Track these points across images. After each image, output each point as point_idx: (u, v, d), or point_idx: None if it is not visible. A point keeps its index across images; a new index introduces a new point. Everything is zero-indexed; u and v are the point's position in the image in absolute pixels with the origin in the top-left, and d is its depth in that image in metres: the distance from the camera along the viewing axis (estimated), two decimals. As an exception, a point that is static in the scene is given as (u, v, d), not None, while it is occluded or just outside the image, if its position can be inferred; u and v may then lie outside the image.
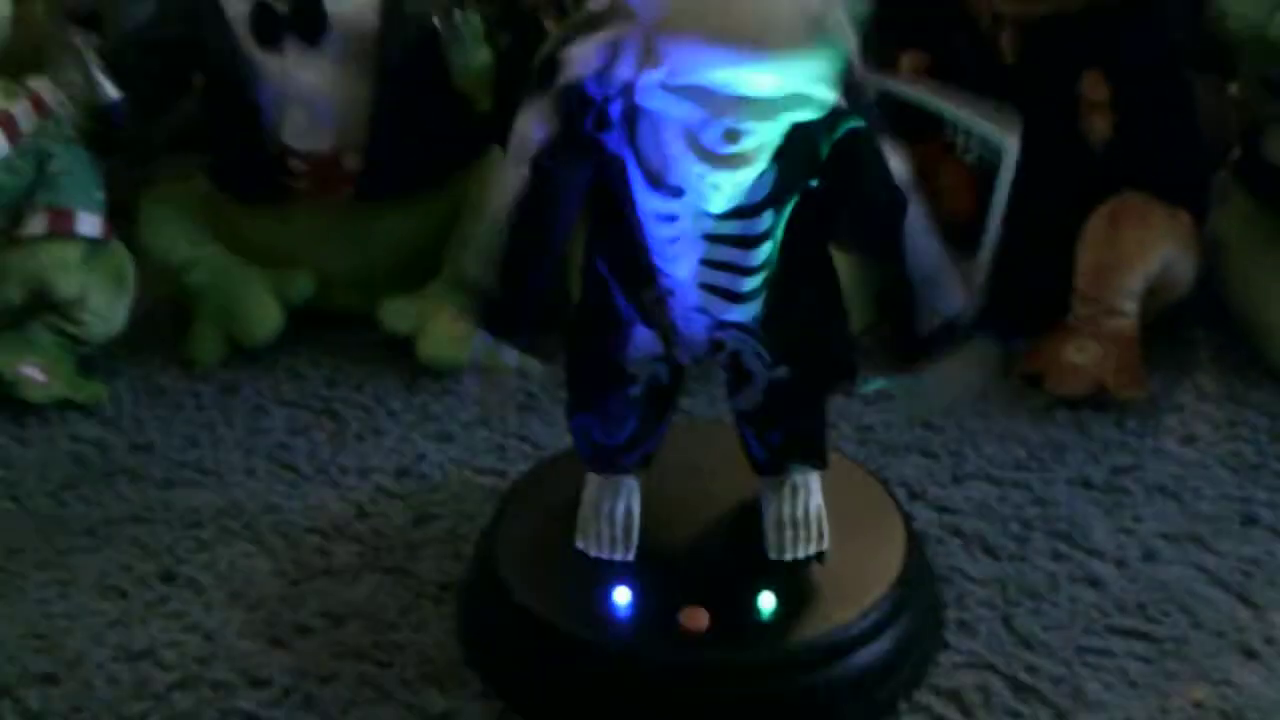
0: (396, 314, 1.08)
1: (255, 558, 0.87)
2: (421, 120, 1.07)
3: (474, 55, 1.03)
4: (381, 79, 1.05)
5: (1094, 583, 0.83)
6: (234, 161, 1.10)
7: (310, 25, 1.04)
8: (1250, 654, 0.77)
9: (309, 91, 1.05)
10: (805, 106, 0.60)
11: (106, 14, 1.24)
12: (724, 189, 0.64)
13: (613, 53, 0.62)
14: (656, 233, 0.68)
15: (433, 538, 0.88)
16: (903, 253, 0.69)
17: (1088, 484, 0.92)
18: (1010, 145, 0.92)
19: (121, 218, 1.09)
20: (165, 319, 1.12)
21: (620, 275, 0.71)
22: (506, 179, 0.68)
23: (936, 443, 0.96)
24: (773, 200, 0.66)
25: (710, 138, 0.61)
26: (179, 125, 1.18)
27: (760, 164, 0.63)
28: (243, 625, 0.81)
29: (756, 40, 0.57)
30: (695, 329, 0.72)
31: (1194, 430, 0.97)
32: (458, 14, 1.03)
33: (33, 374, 1.02)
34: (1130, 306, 1.00)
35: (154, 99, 1.08)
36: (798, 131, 0.63)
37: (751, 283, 0.69)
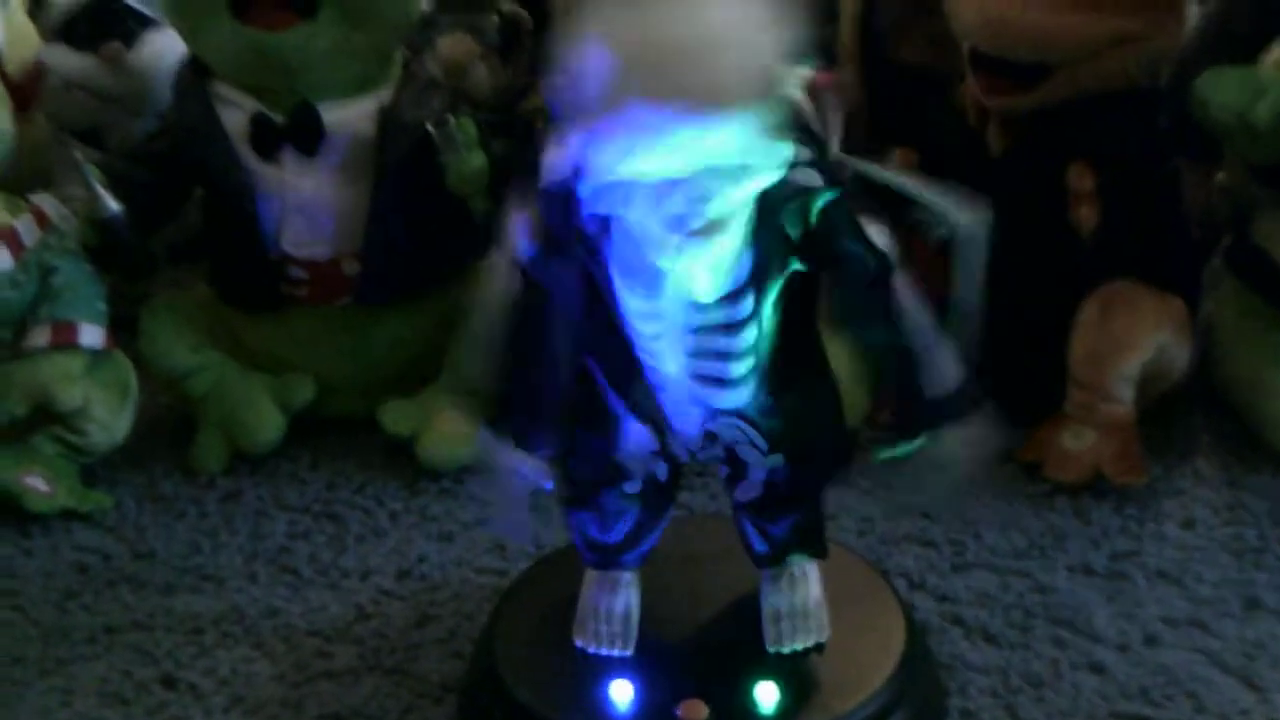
0: (396, 417, 1.08)
1: (256, 662, 0.87)
2: (419, 225, 1.08)
3: (468, 160, 1.05)
4: (379, 186, 1.06)
5: (1097, 669, 0.83)
6: (234, 270, 1.11)
7: (308, 137, 1.06)
8: (1255, 737, 0.77)
9: (307, 200, 1.06)
10: (758, 167, 0.61)
11: (108, 131, 1.27)
12: (702, 272, 0.64)
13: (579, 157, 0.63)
14: (642, 330, 0.69)
15: (433, 638, 0.88)
16: (895, 320, 0.68)
17: (1089, 570, 0.92)
18: (976, 231, 0.92)
19: (124, 329, 1.10)
20: (168, 427, 1.12)
21: (610, 372, 0.72)
22: (497, 280, 0.69)
23: (936, 532, 0.96)
24: (753, 282, 0.67)
25: (659, 228, 0.62)
26: (179, 237, 1.19)
27: (732, 237, 0.64)
28: (243, 730, 0.81)
29: (698, 101, 0.58)
30: (688, 421, 0.72)
31: (1194, 515, 0.97)
32: (452, 121, 1.04)
33: (36, 485, 1.03)
34: (1125, 393, 1.00)
35: (154, 211, 1.09)
36: (768, 207, 0.64)
37: (740, 368, 0.69)
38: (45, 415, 1.03)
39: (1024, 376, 1.00)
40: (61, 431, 1.04)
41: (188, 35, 1.08)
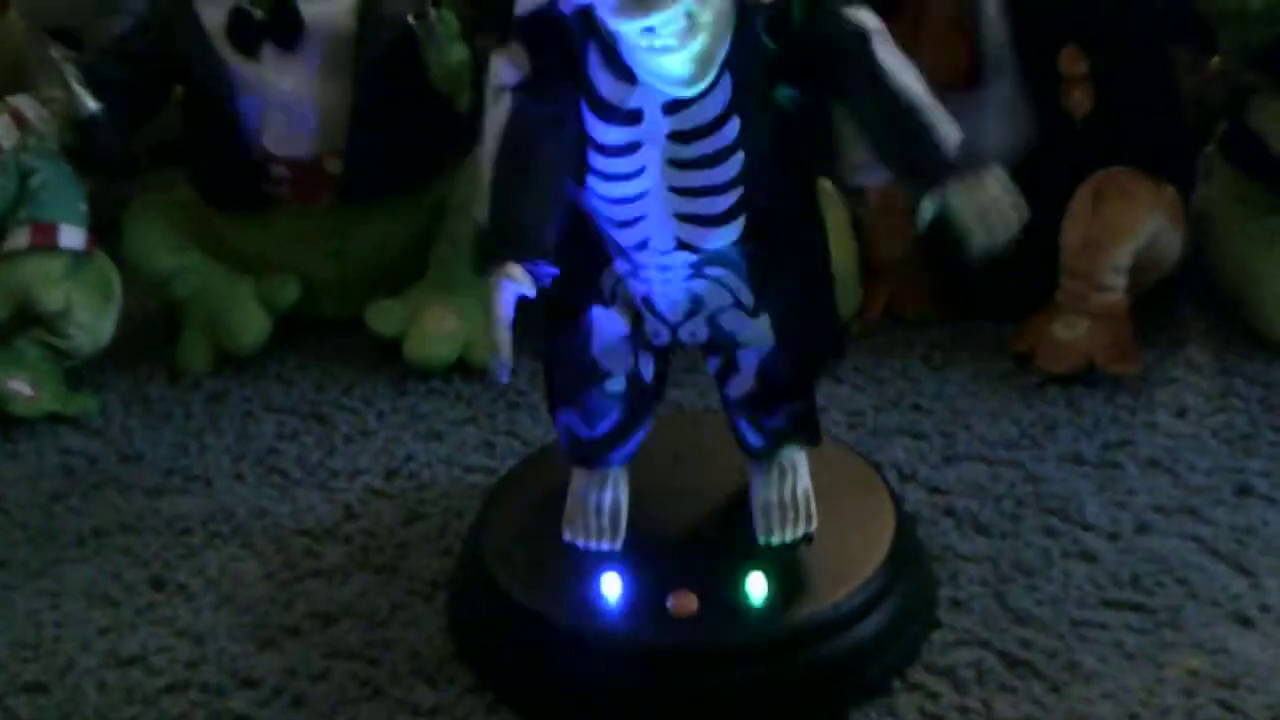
0: (383, 317, 1.07)
1: (244, 561, 0.87)
2: (401, 122, 1.07)
3: (451, 54, 1.03)
4: (359, 82, 1.05)
5: (1087, 557, 0.82)
6: (216, 170, 1.10)
7: (287, 31, 1.04)
8: (1245, 622, 0.77)
9: (288, 97, 1.05)
10: None
11: (85, 29, 1.25)
12: (680, 70, 0.63)
13: None
14: (617, 170, 0.67)
15: (422, 536, 0.88)
16: (883, 84, 0.66)
17: (1080, 460, 0.91)
18: None
19: (106, 232, 1.09)
20: (152, 330, 1.12)
21: (576, 264, 0.70)
22: (490, 118, 0.67)
23: (927, 424, 0.96)
24: (733, 109, 0.66)
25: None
26: (160, 138, 1.18)
27: (700, 39, 0.63)
28: (232, 628, 0.81)
29: None
30: (674, 278, 0.71)
31: (1186, 403, 0.96)
32: (433, 13, 1.03)
33: (20, 389, 1.02)
34: (1118, 281, 0.99)
35: (133, 110, 1.07)
36: (740, 26, 0.64)
37: (726, 200, 0.68)
38: (27, 318, 1.02)
39: (1015, 266, 0.99)
40: (44, 334, 1.03)
41: (166, -68, 1.06)
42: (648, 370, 0.77)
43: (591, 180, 0.68)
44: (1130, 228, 0.99)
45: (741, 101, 0.66)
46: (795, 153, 0.70)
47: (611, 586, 0.74)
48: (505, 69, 0.66)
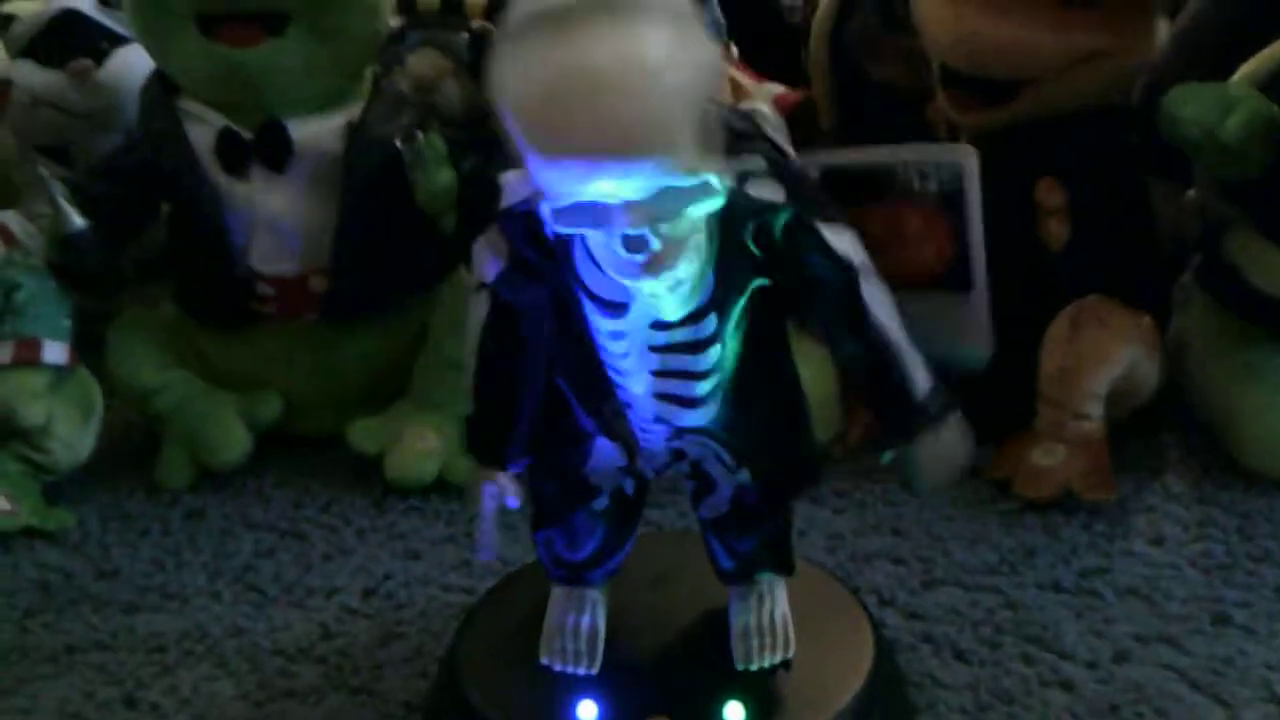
0: (364, 435, 1.08)
1: (219, 681, 0.86)
2: (387, 242, 1.08)
3: (437, 177, 1.04)
4: (347, 203, 1.06)
5: (1066, 685, 0.82)
6: (201, 286, 1.11)
7: (276, 153, 1.05)
8: (1224, 753, 0.76)
9: (275, 216, 1.06)
10: (694, 198, 0.60)
11: (75, 146, 1.26)
12: (662, 296, 0.64)
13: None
14: (609, 348, 0.68)
15: (399, 657, 0.87)
16: (865, 330, 0.67)
17: (1058, 587, 0.91)
18: (968, 160, 0.91)
19: (90, 346, 1.09)
20: (133, 445, 1.12)
21: (579, 390, 0.71)
22: (472, 310, 0.70)
23: (906, 549, 0.96)
24: (716, 301, 0.66)
25: (619, 250, 0.61)
26: (147, 254, 1.18)
27: (688, 266, 0.63)
28: (205, 750, 0.80)
29: (609, 147, 0.57)
30: (654, 439, 0.72)
31: (1163, 531, 0.97)
32: (420, 137, 1.04)
33: (-1, 503, 1.02)
34: (1095, 409, 1.00)
35: (121, 227, 1.08)
36: (729, 225, 0.64)
37: (704, 387, 0.69)
38: (8, 432, 1.02)
39: (993, 392, 1.00)
40: (24, 449, 1.03)
41: (156, 52, 1.08)
42: (630, 487, 0.77)
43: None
44: (1107, 357, 1.00)
45: (721, 299, 0.67)
46: (768, 328, 0.70)
47: (588, 713, 0.73)
48: (486, 258, 0.68)
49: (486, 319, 0.70)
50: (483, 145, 1.11)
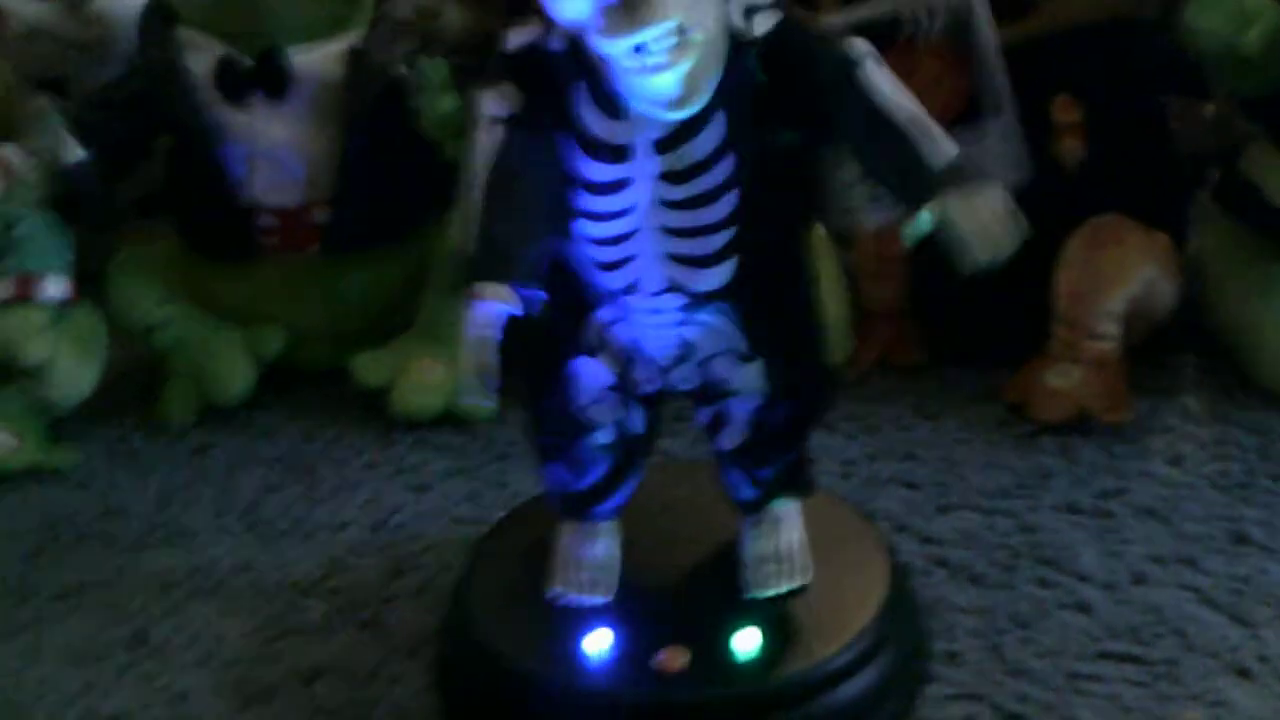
0: (369, 368, 1.06)
1: (227, 618, 0.85)
2: (390, 171, 1.06)
3: (440, 103, 1.03)
4: (349, 131, 1.04)
5: (1083, 608, 0.81)
6: (202, 219, 1.09)
7: (275, 80, 1.04)
8: (1244, 673, 0.75)
9: (276, 146, 1.04)
10: None
11: (72, 79, 1.25)
12: (671, 90, 0.63)
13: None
14: (606, 209, 0.67)
15: (408, 590, 0.86)
16: (877, 100, 0.65)
17: (1074, 509, 0.90)
18: None
19: (91, 282, 1.08)
20: (137, 381, 1.11)
21: (557, 315, 0.69)
22: (478, 143, 0.67)
23: (920, 474, 0.95)
24: (727, 148, 0.65)
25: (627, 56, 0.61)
26: (148, 188, 1.17)
27: (690, 58, 0.62)
28: (214, 686, 0.79)
29: None
30: (663, 326, 0.70)
31: (1181, 451, 0.95)
32: (423, 62, 1.02)
33: (5, 440, 1.01)
34: (1111, 329, 0.98)
35: (120, 158, 1.07)
36: (732, 63, 0.64)
37: (718, 240, 0.67)
38: (10, 369, 1.01)
39: (1008, 314, 0.99)
40: (27, 385, 1.02)
41: (153, -22, 1.06)
42: (638, 421, 0.75)
43: (579, 221, 0.68)
44: (1123, 275, 0.98)
45: (735, 139, 0.65)
46: (789, 194, 0.69)
47: (599, 643, 0.72)
48: (493, 104, 0.66)
49: (500, 151, 0.66)
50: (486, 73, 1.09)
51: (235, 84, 1.04)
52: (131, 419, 1.08)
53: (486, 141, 0.66)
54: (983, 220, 0.64)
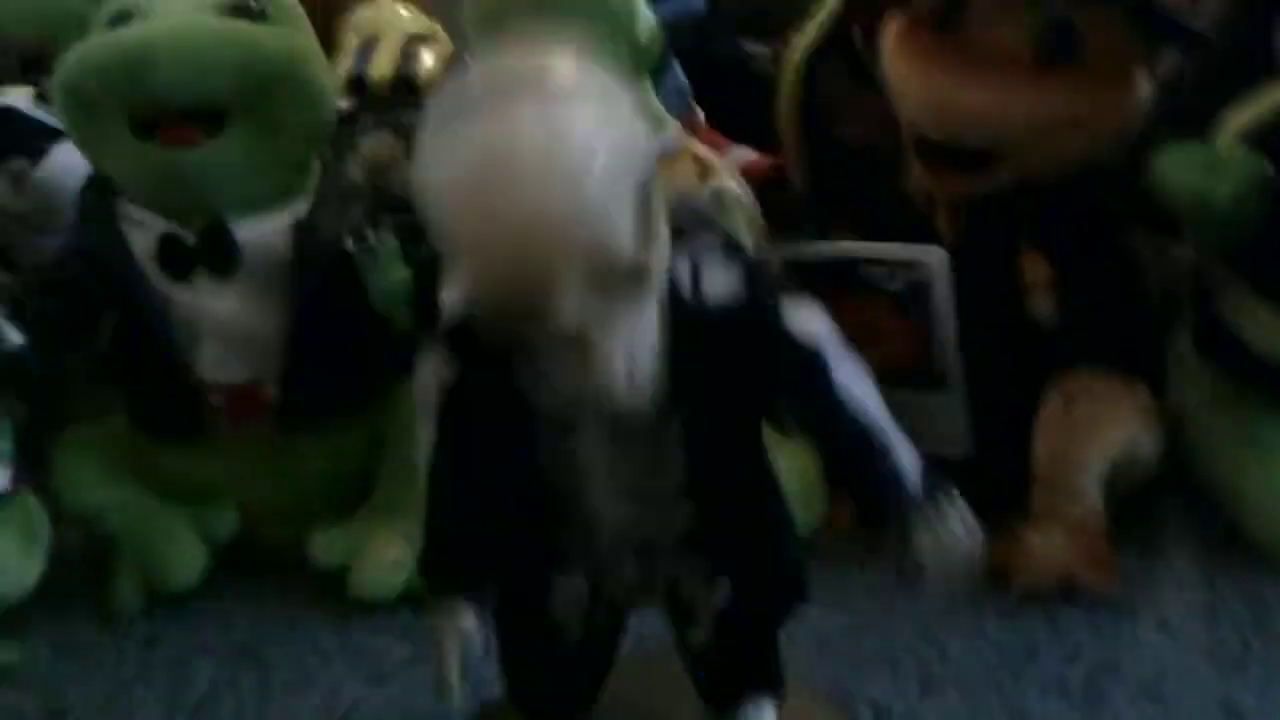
0: (326, 547, 1.02)
1: (174, 832, 0.81)
2: (339, 345, 1.02)
3: (390, 275, 0.99)
4: (295, 307, 1.01)
5: (1078, 803, 0.77)
6: (149, 397, 1.05)
7: (220, 257, 1.00)
8: None
9: (222, 323, 1.01)
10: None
11: (16, 249, 1.22)
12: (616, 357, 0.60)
13: None
14: (561, 465, 0.65)
15: (367, 799, 0.82)
16: (843, 408, 0.64)
17: (1063, 689, 0.87)
18: (936, 262, 0.89)
19: (35, 465, 1.04)
20: (83, 569, 1.06)
21: (534, 521, 0.67)
22: (421, 435, 0.67)
23: (900, 649, 0.91)
24: (673, 398, 0.62)
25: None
26: (100, 359, 1.13)
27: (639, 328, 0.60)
28: None
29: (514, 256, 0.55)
30: (623, 555, 0.68)
31: (1170, 619, 0.92)
32: (372, 234, 0.99)
33: (-60, 640, 0.97)
34: (1092, 491, 0.95)
35: (62, 340, 1.03)
36: (678, 327, 0.61)
37: (671, 492, 0.66)
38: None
39: (987, 476, 0.95)
40: (-35, 583, 0.98)
41: (91, 155, 1.04)
42: (604, 618, 0.72)
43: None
44: (1101, 435, 0.95)
45: (679, 390, 0.62)
46: (744, 429, 0.66)
47: None
48: (428, 379, 0.65)
49: (435, 443, 0.66)
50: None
51: (179, 261, 1.00)
52: (78, 610, 1.03)
53: (425, 431, 0.66)
54: (942, 549, 0.65)
